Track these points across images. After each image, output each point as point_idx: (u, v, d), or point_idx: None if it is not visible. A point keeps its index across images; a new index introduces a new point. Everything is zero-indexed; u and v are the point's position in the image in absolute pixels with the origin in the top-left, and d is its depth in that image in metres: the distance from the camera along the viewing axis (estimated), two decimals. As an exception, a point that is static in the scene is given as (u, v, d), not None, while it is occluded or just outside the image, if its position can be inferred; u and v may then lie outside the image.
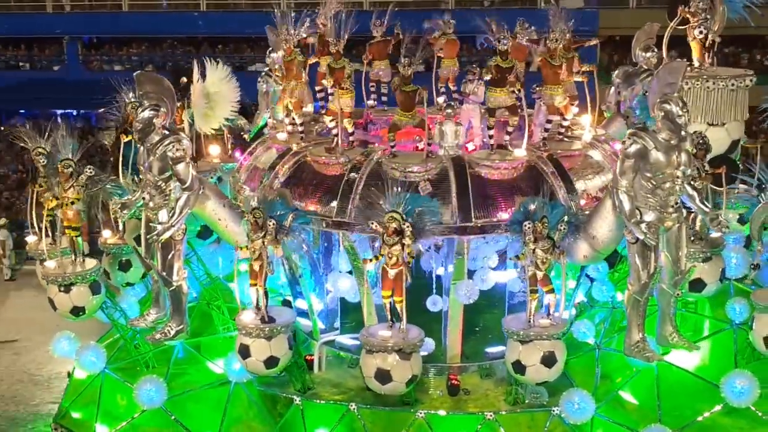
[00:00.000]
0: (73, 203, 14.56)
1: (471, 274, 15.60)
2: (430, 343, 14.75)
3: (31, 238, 15.76)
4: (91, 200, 14.85)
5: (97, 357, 15.24)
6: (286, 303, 15.83)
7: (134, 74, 13.57)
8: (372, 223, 13.02)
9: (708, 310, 14.83)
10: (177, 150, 13.25)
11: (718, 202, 13.73)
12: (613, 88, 16.12)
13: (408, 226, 12.88)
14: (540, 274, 13.20)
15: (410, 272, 13.21)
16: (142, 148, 13.50)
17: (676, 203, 12.40)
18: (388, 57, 17.23)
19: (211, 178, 16.69)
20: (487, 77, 14.28)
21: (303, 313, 15.61)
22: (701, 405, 13.59)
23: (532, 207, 13.03)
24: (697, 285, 13.89)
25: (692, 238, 13.85)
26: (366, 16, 16.99)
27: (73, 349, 15.43)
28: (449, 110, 14.55)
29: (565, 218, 13.16)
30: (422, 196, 13.31)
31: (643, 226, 12.25)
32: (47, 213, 14.79)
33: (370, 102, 17.72)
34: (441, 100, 17.72)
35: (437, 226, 13.16)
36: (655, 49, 15.84)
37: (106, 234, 16.35)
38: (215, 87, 14.92)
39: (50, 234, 15.13)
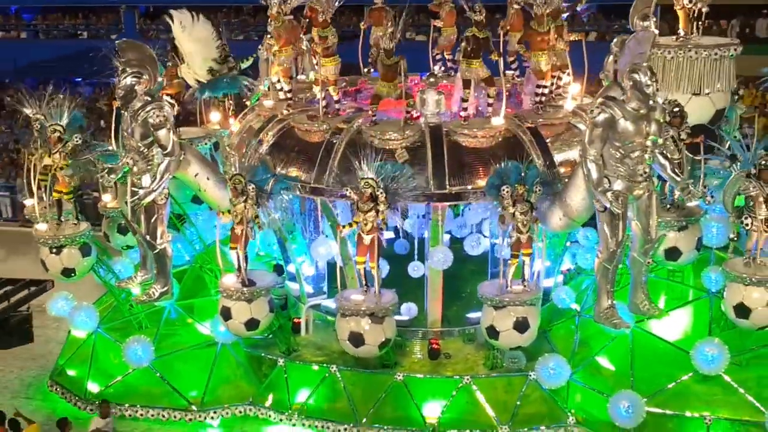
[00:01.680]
0: (61, 168, 14.89)
1: (460, 240, 15.93)
2: (413, 308, 15.05)
3: (28, 202, 16.16)
4: (81, 166, 15.12)
5: (89, 317, 15.66)
6: (279, 267, 16.16)
7: (116, 42, 13.84)
8: (347, 189, 13.25)
9: (691, 280, 14.86)
10: (158, 116, 13.56)
11: (696, 172, 13.69)
12: (611, 57, 16.01)
13: (382, 192, 13.09)
14: (523, 238, 13.36)
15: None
16: (125, 114, 13.83)
17: (645, 172, 12.45)
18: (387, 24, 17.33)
19: (207, 144, 16.98)
20: (469, 47, 14.32)
21: (294, 278, 15.96)
22: (677, 372, 13.67)
23: (507, 171, 13.18)
24: (674, 253, 13.91)
25: (668, 207, 13.89)
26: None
27: (69, 309, 15.87)
28: (431, 79, 14.63)
29: (539, 179, 13.29)
30: (396, 163, 13.47)
31: (609, 194, 12.34)
32: (39, 177, 15.14)
33: (366, 69, 17.90)
34: (437, 68, 17.90)
35: (411, 192, 13.33)
36: (653, 18, 15.81)
37: (106, 198, 16.70)
38: (194, 36, 15.66)
39: (44, 198, 15.49)
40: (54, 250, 15.19)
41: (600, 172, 12.45)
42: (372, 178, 13.10)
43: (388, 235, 17.58)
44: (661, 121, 12.46)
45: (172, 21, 16.67)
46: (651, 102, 12.22)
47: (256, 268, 15.33)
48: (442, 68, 17.79)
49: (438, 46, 17.90)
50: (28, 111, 15.25)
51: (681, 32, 14.96)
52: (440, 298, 14.83)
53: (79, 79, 35.74)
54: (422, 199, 13.78)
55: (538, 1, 14.56)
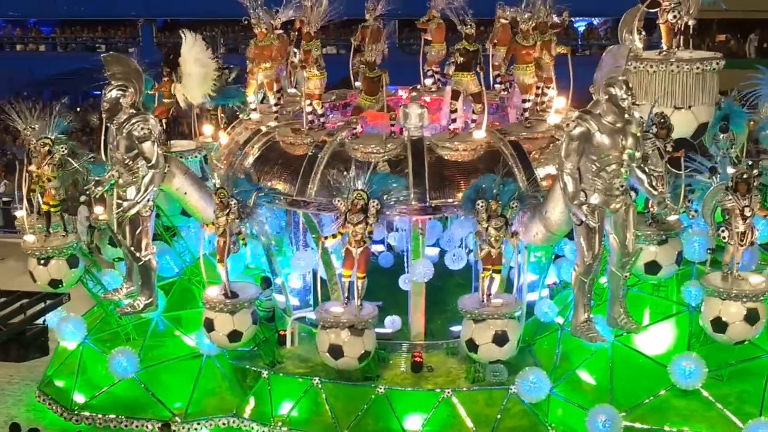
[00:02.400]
0: (49, 180, 15.06)
1: (443, 253, 16.00)
2: (396, 321, 15.12)
3: (19, 213, 16.32)
4: (68, 177, 15.29)
5: (77, 328, 15.81)
6: (267, 279, 16.25)
7: (102, 56, 14.02)
8: (336, 201, 13.33)
9: (675, 294, 14.86)
10: (142, 129, 13.72)
11: (677, 188, 13.74)
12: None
13: (374, 204, 13.16)
14: (494, 252, 13.40)
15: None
16: (110, 127, 13.99)
17: (622, 186, 12.51)
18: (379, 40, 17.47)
19: (197, 156, 17.11)
20: (459, 60, 14.42)
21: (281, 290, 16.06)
22: (656, 387, 13.67)
23: (484, 185, 13.25)
24: (653, 267, 13.91)
25: (649, 222, 13.91)
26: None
27: (56, 320, 16.02)
28: (414, 93, 14.73)
29: (517, 195, 13.35)
30: (388, 175, 13.57)
31: (584, 207, 12.39)
32: (29, 189, 15.33)
33: (357, 84, 17.99)
34: (429, 82, 18.01)
35: (401, 204, 13.44)
36: (642, 32, 15.87)
37: (98, 210, 16.84)
38: (185, 59, 15.83)
39: (34, 210, 15.65)
40: (42, 262, 15.35)
41: (576, 186, 12.51)
42: (364, 190, 13.19)
43: (379, 248, 17.74)
44: (638, 134, 12.51)
45: (185, 39, 16.79)
46: (627, 116, 12.28)
47: (243, 280, 15.48)
48: (433, 83, 17.92)
49: (428, 62, 18.01)
50: (19, 125, 15.46)
51: (664, 46, 14.98)
52: (423, 311, 14.89)
53: (98, 93, 36.12)
54: (403, 212, 13.85)
55: (523, 16, 14.66)
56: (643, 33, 15.83)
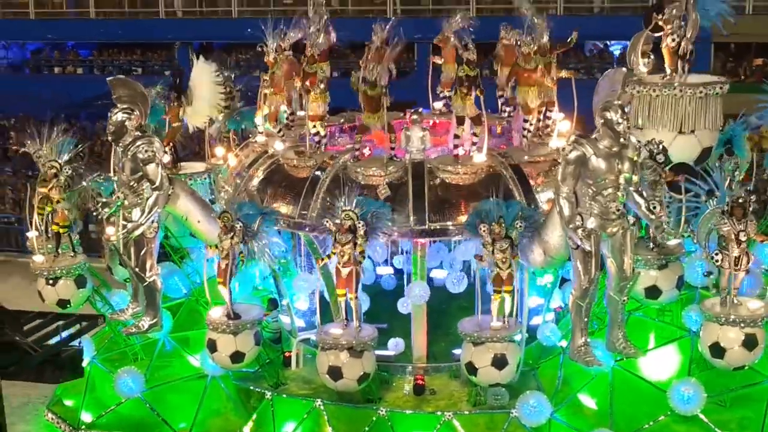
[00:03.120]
0: (58, 202, 15.32)
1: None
2: (400, 343, 15.17)
3: (31, 234, 16.57)
4: (76, 196, 15.54)
5: (85, 348, 16.01)
6: (274, 301, 16.38)
7: (107, 80, 14.27)
8: (326, 221, 13.46)
9: (678, 319, 14.80)
10: (147, 151, 13.92)
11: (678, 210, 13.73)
12: (611, 95, 16.15)
13: (362, 225, 13.28)
14: (504, 274, 13.45)
15: (362, 271, 13.67)
16: (116, 148, 14.23)
17: (618, 210, 12.52)
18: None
19: (206, 179, 17.30)
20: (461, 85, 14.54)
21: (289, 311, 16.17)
22: (657, 411, 13.59)
23: (486, 209, 13.32)
24: (653, 292, 13.88)
25: (651, 246, 13.89)
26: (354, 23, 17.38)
27: (67, 340, 16.28)
28: (415, 116, 14.84)
29: (521, 215, 13.39)
30: (377, 201, 13.68)
31: (579, 231, 12.41)
32: (38, 210, 15.58)
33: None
34: (439, 104, 18.11)
35: (390, 227, 13.53)
36: (651, 56, 15.88)
37: (110, 231, 17.06)
38: (199, 79, 16.01)
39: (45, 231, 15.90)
40: (50, 282, 15.56)
41: (572, 210, 12.54)
42: (352, 210, 13.31)
43: (387, 270, 17.84)
44: (635, 159, 12.55)
45: (195, 62, 17.05)
46: (622, 140, 12.32)
47: (251, 301, 15.62)
48: (444, 105, 18.01)
49: (441, 84, 18.09)
50: (29, 148, 15.74)
51: (667, 70, 14.97)
52: (424, 333, 14.92)
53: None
54: (403, 234, 13.94)
55: (525, 38, 14.75)
56: (652, 57, 15.86)
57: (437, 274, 17.16)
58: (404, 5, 34.05)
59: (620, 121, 12.24)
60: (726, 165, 15.96)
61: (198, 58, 17.55)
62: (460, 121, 14.64)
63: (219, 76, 17.31)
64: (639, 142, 12.77)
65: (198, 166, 17.69)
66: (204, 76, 17.04)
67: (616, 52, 32.11)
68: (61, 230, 15.63)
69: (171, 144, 16.96)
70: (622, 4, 31.65)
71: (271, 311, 15.97)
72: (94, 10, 39.74)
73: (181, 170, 17.03)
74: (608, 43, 31.56)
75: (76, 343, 16.77)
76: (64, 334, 16.02)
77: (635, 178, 12.61)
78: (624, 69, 12.80)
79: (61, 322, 16.54)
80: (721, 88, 14.65)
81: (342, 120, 17.27)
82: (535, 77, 15.04)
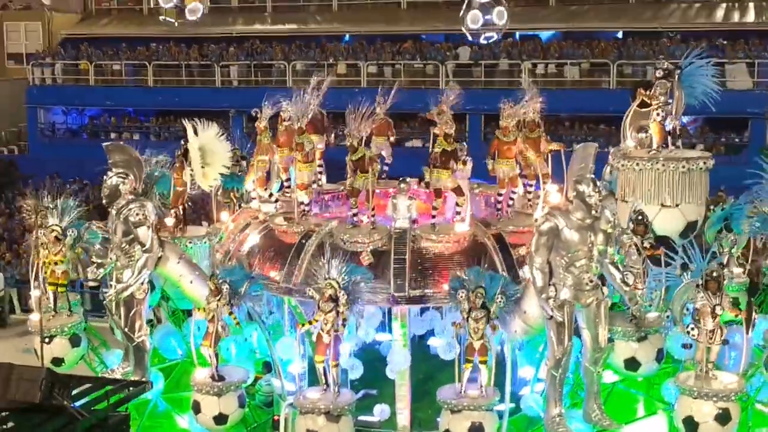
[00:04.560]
0: (56, 264, 15.74)
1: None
2: (386, 410, 15.26)
3: (35, 293, 16.98)
4: (74, 258, 15.96)
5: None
6: (268, 364, 16.59)
7: (103, 145, 14.76)
8: (309, 290, 13.74)
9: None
10: (137, 215, 14.36)
11: (654, 283, 13.82)
12: (608, 168, 16.38)
13: (343, 294, 13.53)
14: (476, 344, 13.58)
15: (343, 338, 13.87)
16: (111, 211, 14.66)
17: (591, 281, 12.67)
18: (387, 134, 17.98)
19: (206, 242, 17.64)
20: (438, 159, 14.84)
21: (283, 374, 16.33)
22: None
23: (468, 277, 13.51)
24: (632, 364, 13.92)
25: (630, 318, 13.96)
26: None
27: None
28: (402, 185, 15.14)
29: (503, 289, 13.54)
30: (358, 266, 13.92)
31: (550, 302, 12.57)
32: (39, 270, 16.01)
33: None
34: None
35: (371, 295, 13.76)
36: (648, 130, 16.08)
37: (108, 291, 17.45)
38: (206, 143, 16.39)
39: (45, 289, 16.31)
40: (46, 340, 15.90)
41: (545, 280, 12.71)
42: (334, 279, 13.56)
43: (385, 337, 17.96)
44: (609, 231, 12.72)
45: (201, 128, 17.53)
46: (594, 212, 12.50)
47: (245, 364, 15.84)
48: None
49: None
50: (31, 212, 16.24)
51: (654, 145, 15.16)
52: (408, 400, 15.01)
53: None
54: (383, 302, 14.16)
55: (504, 113, 15.05)
56: (644, 132, 16.02)
57: (434, 342, 17.25)
58: (457, 77, 34.62)
59: (592, 193, 12.46)
60: (723, 241, 16.12)
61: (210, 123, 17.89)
62: (437, 193, 14.92)
63: (224, 139, 17.75)
64: (614, 215, 12.93)
65: (201, 230, 18.06)
66: (211, 139, 17.43)
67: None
68: (59, 290, 16.00)
69: (176, 207, 17.37)
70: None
71: (265, 374, 16.18)
72: (152, 78, 40.45)
73: (185, 233, 17.39)
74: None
75: (123, 409, 17.00)
76: (112, 399, 16.17)
77: (610, 250, 12.78)
78: (595, 143, 13.04)
79: (109, 387, 16.70)
80: (704, 163, 14.80)
81: (342, 188, 17.58)
82: (513, 150, 15.25)
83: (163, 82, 40.36)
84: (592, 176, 12.62)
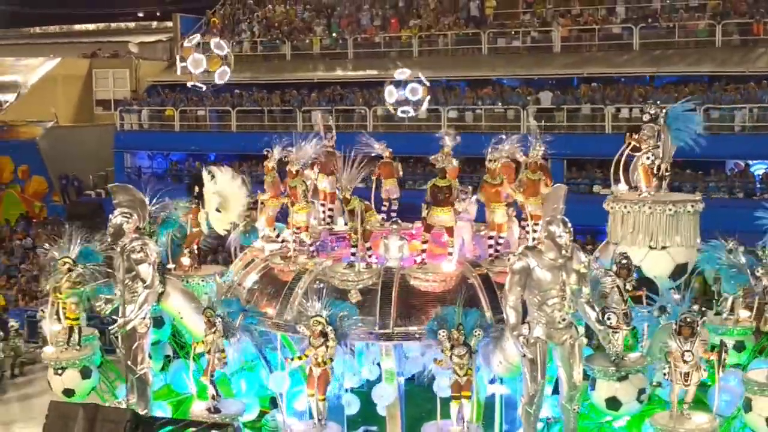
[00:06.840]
0: (67, 297, 16.46)
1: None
2: (378, 443, 15.65)
3: (54, 327, 17.71)
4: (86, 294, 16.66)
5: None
6: (273, 399, 17.05)
7: (108, 186, 15.50)
8: (299, 327, 14.24)
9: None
10: (139, 253, 15.05)
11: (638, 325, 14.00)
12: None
13: (331, 330, 13.99)
14: (462, 380, 13.91)
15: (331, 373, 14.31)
16: (116, 249, 15.37)
17: (564, 319, 12.93)
18: (396, 176, 18.47)
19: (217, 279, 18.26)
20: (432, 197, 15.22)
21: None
22: None
23: (445, 315, 13.87)
24: (614, 403, 14.03)
25: (612, 357, 14.11)
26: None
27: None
28: (394, 226, 15.58)
29: (479, 323, 13.88)
30: (344, 303, 14.38)
31: (521, 339, 12.85)
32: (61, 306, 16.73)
33: (380, 216, 18.92)
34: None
35: (357, 331, 14.19)
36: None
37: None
38: (224, 188, 16.86)
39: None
40: (58, 371, 16.62)
41: (517, 318, 13.01)
42: (321, 316, 14.03)
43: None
44: (582, 271, 12.98)
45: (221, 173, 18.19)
46: (565, 252, 12.79)
47: (254, 399, 16.34)
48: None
49: None
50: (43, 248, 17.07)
51: (643, 188, 15.37)
52: (399, 432, 15.36)
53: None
54: (369, 337, 14.57)
55: (492, 154, 15.40)
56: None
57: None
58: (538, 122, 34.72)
59: (562, 234, 12.75)
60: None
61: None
62: (428, 228, 15.29)
63: (242, 184, 18.37)
64: (587, 256, 13.20)
65: (214, 269, 18.71)
66: (229, 184, 18.04)
67: (759, 172, 31.80)
68: (73, 323, 16.69)
69: (190, 247, 18.04)
70: (764, 123, 31.48)
71: (271, 410, 16.64)
72: (235, 123, 41.24)
73: (199, 272, 18.02)
74: (749, 163, 31.54)
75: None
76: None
77: (585, 289, 13.03)
78: (565, 186, 13.35)
79: (192, 429, 17.32)
80: (692, 206, 14.98)
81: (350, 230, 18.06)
82: (501, 193, 15.54)
83: (246, 127, 41.12)
84: (563, 217, 12.91)
